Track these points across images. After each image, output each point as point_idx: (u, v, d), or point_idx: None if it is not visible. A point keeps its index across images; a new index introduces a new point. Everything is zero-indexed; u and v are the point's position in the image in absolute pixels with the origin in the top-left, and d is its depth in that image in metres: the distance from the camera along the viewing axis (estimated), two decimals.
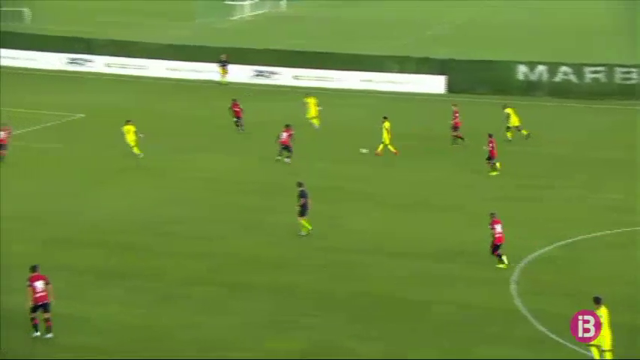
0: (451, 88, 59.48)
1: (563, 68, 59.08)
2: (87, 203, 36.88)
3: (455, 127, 46.34)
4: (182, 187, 39.35)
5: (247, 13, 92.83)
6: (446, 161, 43.95)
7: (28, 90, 57.98)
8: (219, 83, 61.32)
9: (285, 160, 42.65)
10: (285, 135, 42.77)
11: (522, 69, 59.37)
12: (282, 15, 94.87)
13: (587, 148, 47.00)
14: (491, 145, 41.61)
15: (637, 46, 64.97)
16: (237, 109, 48.47)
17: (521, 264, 31.02)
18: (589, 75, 58.67)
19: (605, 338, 23.28)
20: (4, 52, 65.27)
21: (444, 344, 25.51)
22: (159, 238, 33.44)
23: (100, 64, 64.67)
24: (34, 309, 25.43)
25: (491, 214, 30.93)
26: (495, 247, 30.59)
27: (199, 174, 41.30)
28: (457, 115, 46.52)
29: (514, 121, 47.21)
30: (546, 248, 32.60)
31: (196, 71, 62.81)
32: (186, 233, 33.92)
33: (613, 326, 23.56)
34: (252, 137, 47.55)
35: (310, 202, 33.22)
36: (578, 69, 58.80)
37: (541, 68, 59.17)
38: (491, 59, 60.99)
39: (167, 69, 63.60)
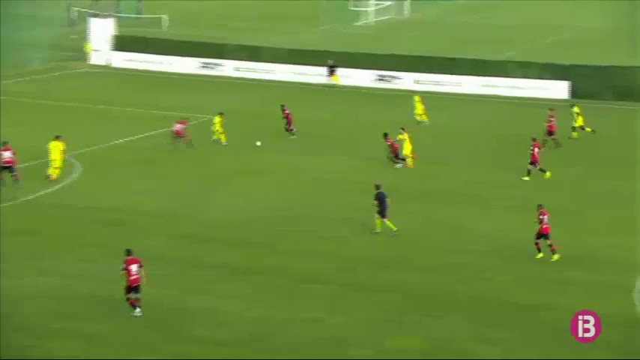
0: (574, 93, 57.85)
1: None
2: (215, 201, 37.39)
3: (549, 132, 45.49)
4: (306, 188, 39.53)
5: (372, 18, 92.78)
6: (570, 166, 42.78)
7: (163, 92, 59.47)
8: (329, 86, 61.48)
9: (397, 165, 42.24)
10: (390, 141, 42.24)
11: None
12: (405, 20, 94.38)
13: None
14: (535, 149, 40.54)
15: None
16: (287, 113, 47.64)
17: None
18: None
19: None
20: (144, 56, 67.22)
21: (562, 351, 24.68)
22: (282, 236, 33.64)
23: (229, 68, 65.76)
24: (129, 290, 26.27)
25: (539, 205, 31.14)
26: (539, 236, 30.77)
27: (323, 175, 41.42)
28: (552, 119, 45.67)
29: (579, 120, 46.82)
30: None
31: (320, 75, 63.08)
32: (309, 232, 34.01)
33: None
34: (374, 140, 47.37)
35: (388, 202, 33.13)
36: None
37: None
38: (615, 64, 59.05)
39: (293, 73, 64.13)
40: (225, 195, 38.29)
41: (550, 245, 30.86)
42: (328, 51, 65.24)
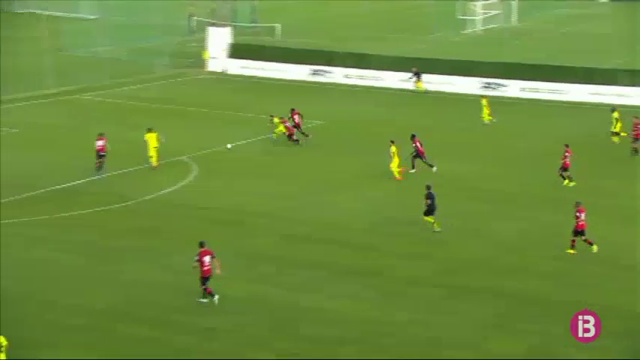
0: None
1: None
2: (325, 203, 37.68)
3: (636, 139, 44.74)
4: (412, 192, 39.40)
5: (479, 27, 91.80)
6: None
7: (275, 98, 60.26)
8: (415, 92, 61.51)
9: (434, 169, 41.56)
10: (417, 142, 41.69)
11: None
12: (512, 29, 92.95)
13: None
14: (567, 155, 39.62)
15: None
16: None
17: None
18: None
19: None
20: (257, 63, 68.25)
21: None
22: (389, 238, 33.66)
23: (339, 75, 66.08)
24: (204, 281, 26.88)
25: (577, 202, 31.66)
26: (576, 233, 31.11)
27: (435, 179, 41.23)
28: (639, 127, 44.88)
29: (618, 126, 46.44)
30: None
31: (426, 82, 62.88)
32: (415, 235, 33.91)
33: None
34: (479, 147, 46.96)
35: (436, 203, 33.66)
36: None
37: None
38: None
39: (399, 80, 63.97)
40: (334, 197, 38.52)
41: (585, 240, 31.18)
42: (436, 59, 64.96)
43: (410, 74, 62.08)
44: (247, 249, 32.15)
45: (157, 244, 32.17)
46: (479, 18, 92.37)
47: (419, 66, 63.25)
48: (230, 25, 72.69)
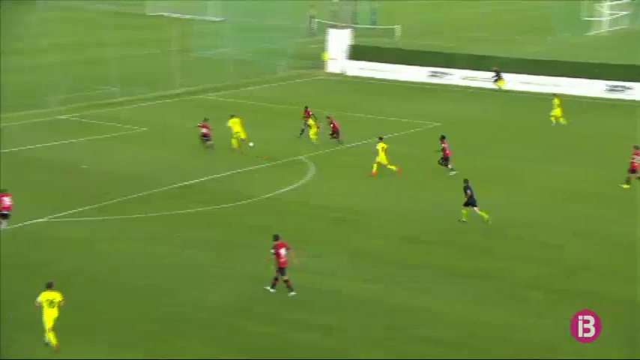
0: None
1: None
2: (439, 205, 37.44)
3: None
4: (529, 195, 38.87)
5: (605, 28, 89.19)
6: None
7: (392, 100, 60.33)
8: (496, 90, 61.67)
9: (452, 173, 40.71)
10: (444, 144, 41.40)
11: None
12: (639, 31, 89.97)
13: None
14: (636, 157, 37.94)
15: None
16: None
17: None
18: None
19: None
20: (376, 65, 68.40)
21: None
22: (505, 241, 33.23)
23: (456, 77, 65.56)
24: (281, 271, 27.44)
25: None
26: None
27: (549, 183, 40.60)
28: None
29: None
30: None
31: (542, 84, 61.70)
32: (531, 238, 33.39)
33: None
34: (603, 151, 45.90)
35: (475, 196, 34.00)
36: None
37: None
38: None
39: (520, 82, 63.03)
40: (449, 200, 38.26)
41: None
42: (555, 61, 63.62)
43: (493, 74, 62.16)
44: (362, 249, 32.32)
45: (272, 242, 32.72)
46: (605, 19, 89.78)
47: (540, 67, 62.29)
48: (350, 27, 73.11)
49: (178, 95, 59.34)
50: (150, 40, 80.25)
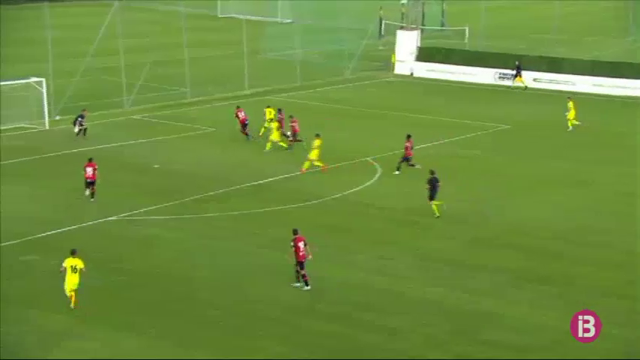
0: None
1: None
2: (508, 208, 37.05)
3: None
4: (602, 199, 38.18)
5: None
6: None
7: (460, 102, 59.84)
8: (513, 89, 61.83)
9: (417, 166, 40.16)
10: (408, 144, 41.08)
11: None
12: None
13: None
14: None
15: None
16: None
17: None
18: None
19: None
20: (444, 66, 67.93)
21: None
22: (575, 246, 32.70)
23: (528, 79, 64.70)
24: (301, 265, 27.79)
25: None
26: None
27: (617, 187, 39.81)
28: None
29: None
30: None
31: (618, 87, 60.48)
32: (602, 244, 32.81)
33: None
34: None
35: (439, 186, 34.94)
36: None
37: None
38: None
39: (593, 85, 61.95)
40: (519, 202, 37.83)
41: None
42: (630, 63, 62.41)
43: (514, 71, 62.44)
44: (429, 251, 32.14)
45: (343, 242, 32.78)
46: None
47: (614, 70, 61.15)
48: (419, 29, 72.76)
49: (247, 96, 59.79)
50: (221, 41, 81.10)
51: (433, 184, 35.32)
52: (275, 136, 45.47)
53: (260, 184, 40.14)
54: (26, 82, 49.93)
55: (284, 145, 45.51)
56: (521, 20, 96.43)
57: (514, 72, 62.76)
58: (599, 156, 45.28)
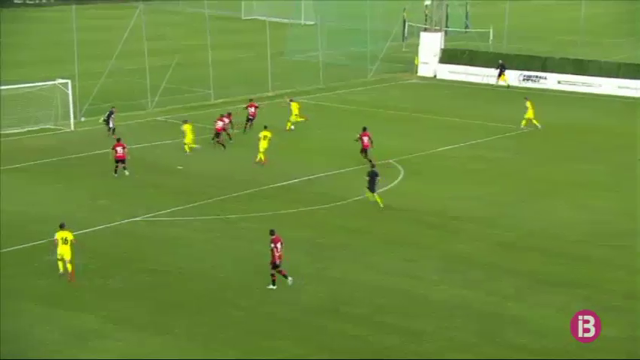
0: None
1: None
2: (533, 210, 36.78)
3: None
4: (629, 202, 37.84)
5: None
6: None
7: (484, 104, 59.58)
8: (496, 86, 62.48)
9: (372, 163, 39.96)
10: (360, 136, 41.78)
11: None
12: None
13: None
14: None
15: None
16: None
17: None
18: None
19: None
20: (468, 68, 67.70)
21: None
22: (603, 250, 32.40)
23: (552, 81, 64.37)
24: (274, 266, 27.83)
25: None
26: None
27: None
28: None
29: None
30: None
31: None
32: (630, 248, 32.45)
33: None
34: None
35: (378, 180, 35.92)
36: None
37: None
38: None
39: (618, 87, 61.53)
40: (546, 205, 37.58)
41: None
42: None
43: (497, 70, 63.18)
44: (453, 253, 31.98)
45: (363, 244, 32.73)
46: None
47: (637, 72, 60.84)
48: (442, 31, 72.55)
49: (270, 98, 59.87)
50: (245, 43, 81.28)
51: (372, 177, 36.37)
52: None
53: (283, 185, 40.15)
54: (52, 84, 50.29)
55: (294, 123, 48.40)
56: (545, 22, 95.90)
57: (497, 70, 63.04)
58: (626, 159, 44.86)
